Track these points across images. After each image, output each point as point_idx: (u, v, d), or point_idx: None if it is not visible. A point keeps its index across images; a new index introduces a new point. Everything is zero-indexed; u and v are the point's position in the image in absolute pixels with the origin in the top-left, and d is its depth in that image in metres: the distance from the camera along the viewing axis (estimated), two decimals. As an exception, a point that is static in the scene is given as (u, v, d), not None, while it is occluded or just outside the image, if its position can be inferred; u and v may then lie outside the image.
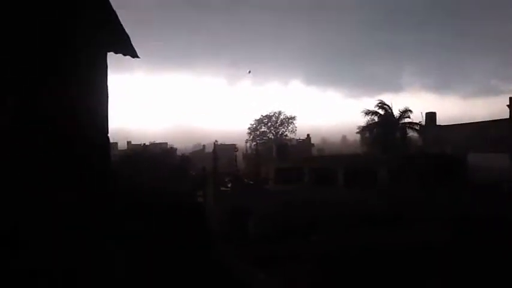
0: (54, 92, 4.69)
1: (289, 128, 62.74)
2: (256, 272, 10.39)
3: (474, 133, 30.83)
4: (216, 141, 50.70)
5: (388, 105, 38.10)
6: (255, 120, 63.25)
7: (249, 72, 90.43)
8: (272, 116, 62.98)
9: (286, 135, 62.30)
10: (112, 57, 5.68)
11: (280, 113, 62.96)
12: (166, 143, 53.19)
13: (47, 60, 4.66)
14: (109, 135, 5.51)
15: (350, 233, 14.27)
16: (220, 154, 46.13)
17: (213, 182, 25.65)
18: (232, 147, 56.11)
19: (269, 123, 63.21)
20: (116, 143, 42.86)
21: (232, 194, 25.29)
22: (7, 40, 4.42)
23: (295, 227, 15.42)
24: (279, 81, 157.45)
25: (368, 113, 37.74)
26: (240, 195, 23.78)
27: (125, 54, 5.84)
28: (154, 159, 33.30)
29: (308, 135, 58.79)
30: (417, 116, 37.85)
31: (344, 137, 78.71)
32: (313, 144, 58.90)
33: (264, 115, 63.31)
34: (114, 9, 5.33)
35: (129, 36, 5.65)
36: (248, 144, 59.96)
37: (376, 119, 37.71)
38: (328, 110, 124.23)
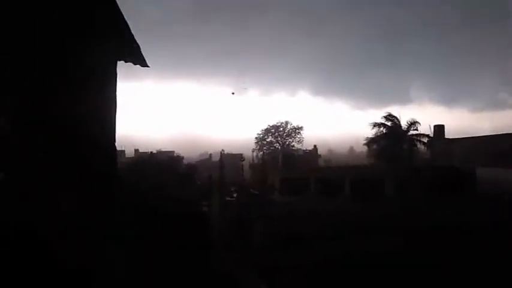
0: (64, 99, 4.80)
1: (296, 138, 62.79)
2: (259, 282, 10.37)
3: (482, 147, 30.61)
4: (223, 150, 50.76)
5: (396, 117, 38.02)
6: (262, 130, 63.41)
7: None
8: (279, 126, 63.07)
9: (293, 146, 62.26)
10: (120, 65, 5.79)
11: (287, 123, 63.08)
12: (173, 151, 53.30)
13: (58, 68, 4.77)
14: (116, 142, 5.60)
15: (352, 243, 14.23)
16: (226, 163, 46.16)
17: (219, 192, 25.67)
18: (239, 157, 56.14)
19: (276, 133, 63.26)
20: (123, 151, 43.12)
21: (237, 204, 25.27)
22: (18, 47, 4.54)
23: (300, 237, 15.37)
24: (286, 91, 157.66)
25: (376, 125, 37.68)
26: (245, 205, 23.75)
27: (135, 64, 5.96)
28: (161, 167, 33.43)
29: (315, 145, 58.73)
30: (425, 129, 37.70)
31: (351, 148, 78.44)
32: (320, 155, 58.78)
33: (271, 125, 63.45)
34: (126, 19, 5.46)
35: (139, 45, 5.77)
36: (255, 154, 59.99)
37: (383, 130, 37.61)
38: (335, 121, 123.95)
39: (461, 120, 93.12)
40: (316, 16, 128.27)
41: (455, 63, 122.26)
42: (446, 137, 37.30)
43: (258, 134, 63.31)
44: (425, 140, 37.38)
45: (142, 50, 5.85)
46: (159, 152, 50.22)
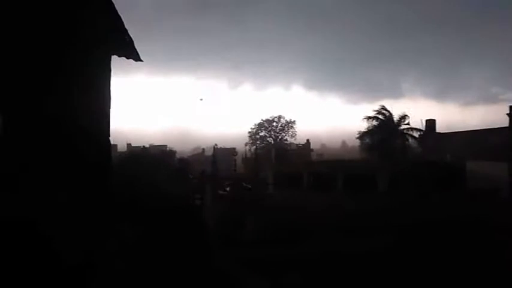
0: (58, 94, 4.75)
1: (289, 132, 62.92)
2: (249, 275, 10.42)
3: (473, 141, 30.92)
4: (216, 144, 50.81)
5: (388, 111, 38.27)
6: (255, 124, 63.43)
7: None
8: (272, 120, 63.12)
9: (286, 140, 62.41)
10: (113, 60, 5.73)
11: (280, 117, 63.16)
12: (165, 146, 53.13)
13: (52, 63, 4.72)
14: (110, 136, 5.57)
15: (344, 239, 14.36)
16: (219, 157, 46.21)
17: (212, 186, 25.70)
18: (232, 151, 56.18)
19: (269, 128, 63.32)
20: (116, 145, 42.87)
21: (230, 198, 25.32)
22: (12, 41, 4.48)
23: (291, 232, 15.44)
24: (280, 86, 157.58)
25: (368, 118, 37.88)
26: (238, 199, 23.81)
27: (128, 58, 5.90)
28: (154, 162, 33.32)
29: (308, 140, 58.95)
30: (417, 123, 38.00)
31: (343, 143, 78.84)
32: (312, 150, 59.03)
33: (264, 119, 63.49)
34: (119, 12, 5.40)
35: (132, 39, 5.71)
36: (248, 148, 60.06)
37: (376, 123, 37.84)
38: (328, 116, 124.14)
39: (454, 115, 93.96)
40: (310, 11, 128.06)
41: (447, 58, 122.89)
42: (437, 131, 37.64)
43: (251, 128, 63.38)
44: (416, 134, 37.72)
45: (135, 44, 5.80)
46: (152, 147, 50.02)
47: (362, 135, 39.08)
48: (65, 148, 4.72)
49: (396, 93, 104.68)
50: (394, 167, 29.48)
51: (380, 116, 38.02)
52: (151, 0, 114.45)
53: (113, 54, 5.62)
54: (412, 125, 37.85)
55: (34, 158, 4.48)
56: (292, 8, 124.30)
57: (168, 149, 51.22)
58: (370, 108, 46.03)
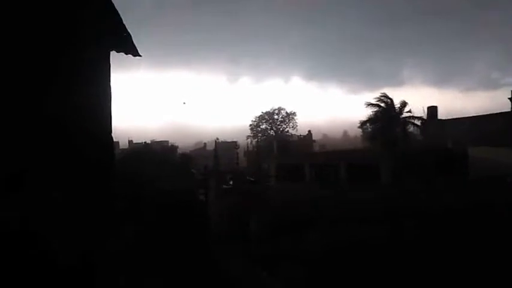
0: (57, 91, 4.70)
1: (290, 124, 62.83)
2: (257, 271, 10.41)
3: (475, 127, 30.81)
4: (217, 138, 50.75)
5: (390, 98, 38.04)
6: (256, 117, 63.33)
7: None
8: (273, 112, 63.00)
9: (287, 132, 62.34)
10: (111, 55, 5.68)
11: (280, 109, 63.02)
12: (167, 141, 53.13)
13: (50, 60, 4.67)
14: (112, 134, 5.53)
15: (350, 230, 14.32)
16: (221, 151, 46.19)
17: (215, 180, 25.69)
18: (234, 145, 56.14)
19: (270, 120, 63.23)
20: (118, 142, 42.87)
21: (233, 192, 25.31)
22: (10, 39, 4.42)
23: (296, 225, 15.41)
24: (280, 77, 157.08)
25: (369, 105, 37.64)
26: (241, 193, 23.81)
27: (126, 53, 5.84)
28: (156, 158, 33.34)
29: (309, 131, 58.86)
30: (418, 110, 37.81)
31: (345, 132, 78.70)
32: (314, 140, 58.93)
33: (264, 112, 63.37)
34: (116, 8, 5.33)
35: (131, 34, 5.65)
36: (249, 141, 60.04)
37: (378, 111, 37.62)
38: (329, 106, 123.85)
39: (455, 101, 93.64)
40: (309, 2, 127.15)
41: (446, 45, 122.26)
42: (439, 118, 37.51)
43: (252, 121, 63.32)
44: (418, 122, 37.54)
45: (133, 39, 5.74)
46: (154, 142, 50.00)
47: (363, 124, 38.90)
48: (66, 147, 4.68)
49: (397, 81, 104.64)
50: (396, 155, 29.42)
51: (381, 104, 37.81)
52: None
53: (112, 50, 5.57)
54: (414, 113, 37.69)
55: (34, 158, 4.45)
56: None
57: (169, 144, 51.23)
58: (371, 97, 45.76)
